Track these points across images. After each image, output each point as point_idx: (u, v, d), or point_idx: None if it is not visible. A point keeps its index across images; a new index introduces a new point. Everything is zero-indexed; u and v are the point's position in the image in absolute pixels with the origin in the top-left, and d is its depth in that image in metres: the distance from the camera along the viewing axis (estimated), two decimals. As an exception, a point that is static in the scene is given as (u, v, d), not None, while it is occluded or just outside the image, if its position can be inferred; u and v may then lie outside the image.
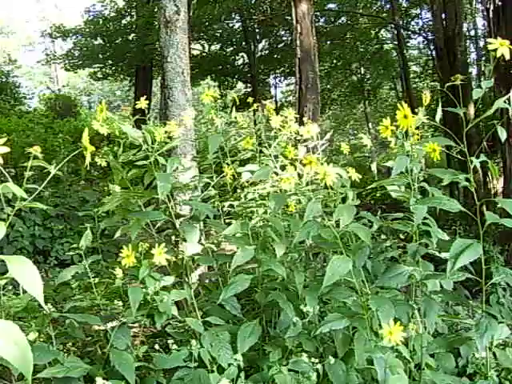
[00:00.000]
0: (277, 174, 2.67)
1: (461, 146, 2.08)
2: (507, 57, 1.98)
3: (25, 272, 1.10)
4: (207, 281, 3.18)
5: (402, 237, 3.14)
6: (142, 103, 2.60)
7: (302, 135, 2.65)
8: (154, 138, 2.46)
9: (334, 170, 2.08)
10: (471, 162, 2.11)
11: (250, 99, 2.99)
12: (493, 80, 2.16)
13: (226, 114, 2.84)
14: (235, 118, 2.91)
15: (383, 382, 1.97)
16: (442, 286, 2.36)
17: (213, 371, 2.15)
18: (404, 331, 1.96)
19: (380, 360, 2.01)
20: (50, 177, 1.36)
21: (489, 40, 2.00)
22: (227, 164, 2.82)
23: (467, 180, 2.11)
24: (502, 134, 2.13)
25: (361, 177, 2.39)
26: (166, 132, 2.54)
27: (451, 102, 2.23)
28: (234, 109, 2.88)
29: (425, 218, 2.19)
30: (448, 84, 2.15)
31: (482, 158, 2.14)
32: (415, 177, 2.19)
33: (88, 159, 1.43)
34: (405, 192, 2.25)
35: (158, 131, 2.48)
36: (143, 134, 2.45)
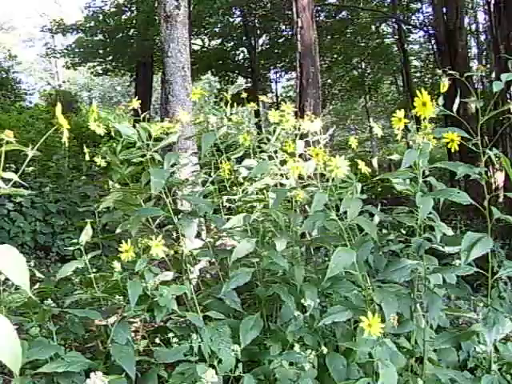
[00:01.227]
0: (279, 168, 2.66)
1: (476, 139, 2.06)
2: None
3: (9, 260, 1.05)
4: (208, 276, 3.17)
5: (403, 231, 3.13)
6: (134, 103, 2.60)
7: (302, 130, 2.64)
8: (150, 134, 2.45)
9: (344, 163, 2.06)
10: (484, 154, 2.08)
11: (244, 94, 2.96)
12: None
13: (219, 112, 2.82)
14: (234, 113, 2.89)
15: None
16: (445, 281, 2.35)
17: (213, 366, 2.15)
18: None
19: (379, 353, 2.00)
20: (28, 159, 1.30)
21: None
22: (223, 160, 2.81)
23: (479, 173, 2.10)
24: None
25: (370, 170, 2.39)
26: (161, 128, 2.53)
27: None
28: (228, 107, 2.86)
29: (429, 213, 2.18)
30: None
31: (495, 151, 2.12)
32: (421, 171, 2.17)
33: (66, 135, 1.36)
34: (410, 185, 2.23)
35: (153, 128, 2.47)
36: (137, 131, 2.44)
